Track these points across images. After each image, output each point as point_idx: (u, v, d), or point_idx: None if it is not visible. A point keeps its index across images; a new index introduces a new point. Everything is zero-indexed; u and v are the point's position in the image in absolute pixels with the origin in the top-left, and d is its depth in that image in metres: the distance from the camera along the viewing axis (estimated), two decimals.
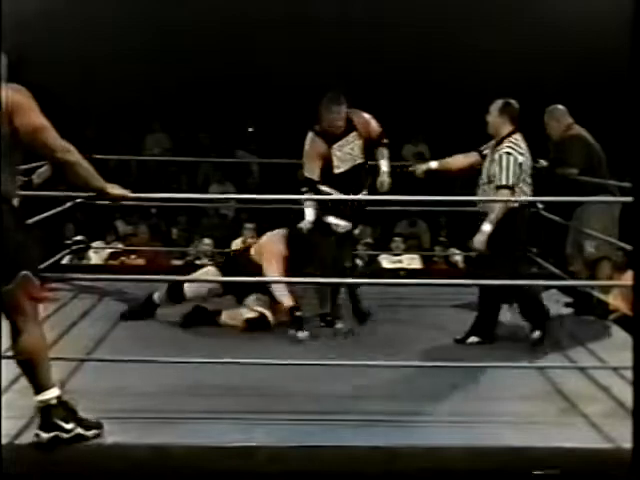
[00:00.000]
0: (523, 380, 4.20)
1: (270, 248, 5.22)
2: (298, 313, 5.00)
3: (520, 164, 4.81)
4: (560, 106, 6.02)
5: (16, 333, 3.32)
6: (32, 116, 3.19)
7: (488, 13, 10.53)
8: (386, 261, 8.71)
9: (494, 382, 4.17)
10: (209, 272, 5.37)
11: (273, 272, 5.04)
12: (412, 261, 8.73)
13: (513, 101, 5.03)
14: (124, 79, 10.82)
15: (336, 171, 5.22)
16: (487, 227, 4.83)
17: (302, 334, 4.93)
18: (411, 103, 10.94)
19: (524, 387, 4.13)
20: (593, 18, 10.23)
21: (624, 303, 6.29)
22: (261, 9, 10.33)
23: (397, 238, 9.15)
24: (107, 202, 3.59)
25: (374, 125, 5.37)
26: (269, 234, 5.41)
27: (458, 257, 9.50)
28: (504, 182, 4.80)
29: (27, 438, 3.41)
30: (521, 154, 4.85)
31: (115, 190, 3.52)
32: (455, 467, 3.42)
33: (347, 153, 5.23)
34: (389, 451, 3.45)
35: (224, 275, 5.20)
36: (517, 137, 4.90)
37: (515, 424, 3.71)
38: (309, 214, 5.17)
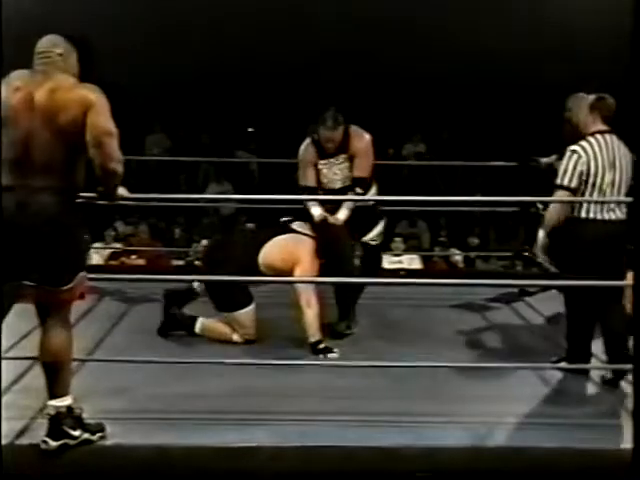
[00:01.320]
0: (523, 380, 4.20)
1: (305, 258, 4.85)
2: (322, 346, 4.68)
3: (588, 166, 4.24)
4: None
5: (47, 332, 3.30)
6: (104, 118, 3.18)
7: (488, 11, 10.53)
8: (386, 261, 8.70)
9: (494, 382, 4.17)
10: None
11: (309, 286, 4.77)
12: (412, 261, 8.73)
13: (608, 96, 4.45)
14: (123, 78, 10.82)
15: (325, 187, 5.10)
16: (541, 234, 4.49)
17: (332, 355, 4.66)
18: (411, 102, 10.94)
19: (524, 387, 4.13)
20: (595, 16, 10.25)
21: (627, 303, 6.28)
22: (262, 8, 10.34)
23: (397, 238, 9.16)
24: (106, 202, 3.56)
25: (366, 160, 5.08)
26: (284, 241, 4.98)
27: (458, 257, 9.52)
28: (559, 181, 4.29)
29: (27, 439, 3.42)
30: (595, 157, 4.26)
31: (119, 191, 3.50)
32: (455, 467, 3.42)
33: (334, 173, 5.08)
34: (389, 451, 3.46)
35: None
36: (600, 138, 4.30)
37: (515, 424, 3.72)
38: (315, 210, 5.00)
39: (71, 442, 3.32)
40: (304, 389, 4.05)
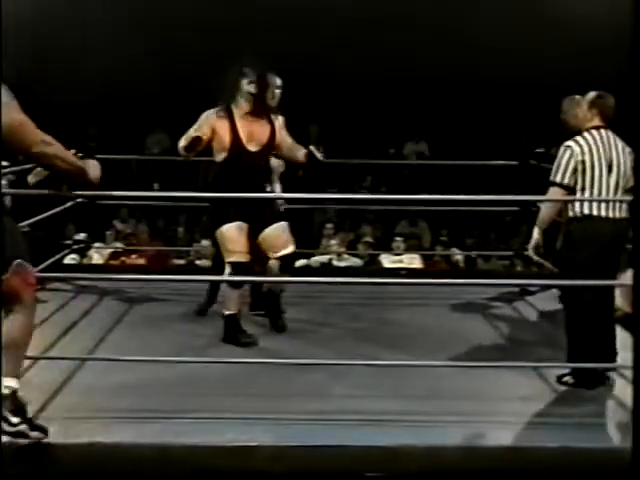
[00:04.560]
0: (522, 380, 4.20)
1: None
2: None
3: (583, 159, 4.16)
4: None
5: (6, 314, 3.25)
6: (8, 114, 3.13)
7: (489, 9, 10.54)
8: (387, 260, 8.71)
9: (494, 382, 4.17)
10: None
11: None
12: (413, 261, 8.73)
13: (608, 94, 4.40)
14: (125, 78, 10.83)
15: None
16: (535, 233, 4.44)
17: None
18: (411, 101, 10.94)
19: (523, 387, 4.13)
20: (596, 14, 10.26)
21: (626, 302, 6.28)
22: (261, 9, 10.35)
23: (398, 238, 9.15)
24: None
25: None
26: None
27: (459, 257, 9.52)
28: (552, 178, 4.23)
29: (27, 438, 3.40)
30: (590, 151, 4.18)
31: (94, 170, 3.45)
32: (455, 467, 3.42)
33: None
34: (389, 451, 3.45)
35: None
36: (595, 133, 4.23)
37: (515, 424, 3.71)
38: None
39: (7, 428, 3.24)
40: (304, 388, 4.05)
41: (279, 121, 5.07)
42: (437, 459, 3.43)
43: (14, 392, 3.30)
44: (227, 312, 4.85)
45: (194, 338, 4.89)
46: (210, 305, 5.36)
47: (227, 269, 4.78)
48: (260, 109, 4.88)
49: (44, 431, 3.38)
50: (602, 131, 4.26)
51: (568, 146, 4.22)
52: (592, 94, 4.40)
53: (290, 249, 4.89)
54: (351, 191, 10.53)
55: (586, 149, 4.20)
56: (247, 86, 4.83)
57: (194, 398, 3.90)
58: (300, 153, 4.92)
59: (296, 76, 10.36)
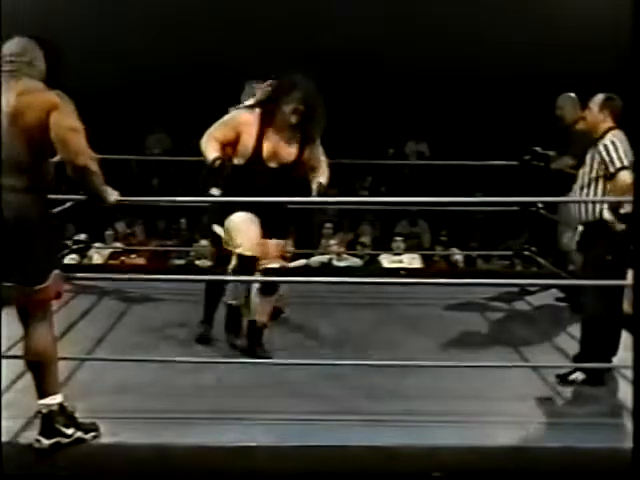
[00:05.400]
0: (522, 380, 4.20)
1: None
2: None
3: (627, 154, 4.20)
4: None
5: (29, 332, 3.33)
6: (67, 117, 3.24)
7: (491, 8, 10.53)
8: (386, 261, 8.72)
9: (494, 382, 4.17)
10: None
11: None
12: (413, 261, 8.73)
13: (616, 96, 4.46)
14: (125, 78, 10.84)
15: None
16: (608, 215, 4.23)
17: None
18: (412, 100, 10.94)
19: (523, 387, 4.13)
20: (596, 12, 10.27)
21: (626, 302, 6.25)
22: (262, 8, 10.36)
23: (398, 238, 9.15)
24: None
25: None
26: None
27: (458, 256, 9.52)
28: (619, 164, 4.18)
29: (27, 438, 3.40)
30: (629, 147, 4.24)
31: (112, 197, 3.53)
32: (455, 467, 3.41)
33: None
34: (389, 451, 3.45)
35: None
36: (618, 134, 4.29)
37: (514, 424, 3.71)
38: None
39: (64, 440, 3.33)
40: (304, 389, 4.04)
41: (315, 145, 4.61)
42: (437, 459, 3.43)
43: (61, 405, 3.35)
44: (253, 319, 4.52)
45: (193, 338, 4.88)
46: (210, 328, 4.84)
47: (233, 261, 4.42)
48: (293, 132, 4.50)
49: (96, 428, 3.44)
50: (621, 132, 4.31)
51: (613, 141, 4.23)
52: (600, 96, 4.43)
53: (277, 265, 4.54)
54: (351, 191, 10.53)
55: (626, 144, 4.24)
56: (289, 114, 4.43)
57: (193, 398, 3.90)
58: (314, 182, 4.51)
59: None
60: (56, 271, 3.34)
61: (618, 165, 4.18)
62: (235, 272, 4.37)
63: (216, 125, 4.53)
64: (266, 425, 3.61)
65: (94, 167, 3.31)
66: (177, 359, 4.23)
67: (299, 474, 3.41)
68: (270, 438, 3.50)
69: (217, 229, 4.60)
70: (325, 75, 10.34)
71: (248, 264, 4.38)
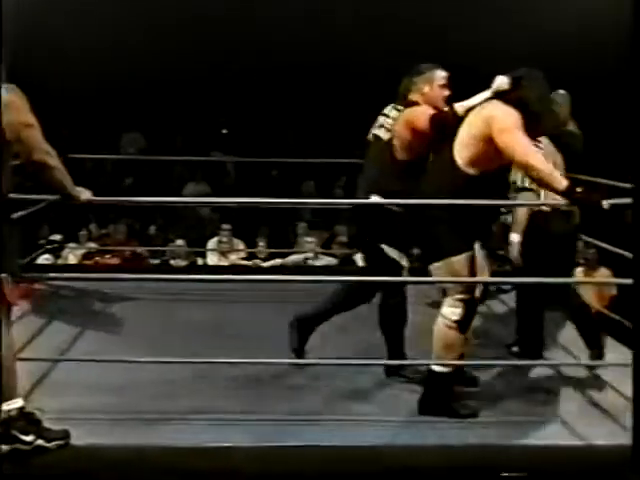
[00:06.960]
0: (521, 379, 4.23)
1: None
2: None
3: None
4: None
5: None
6: (21, 113, 3.19)
7: (490, 8, 10.53)
8: (362, 260, 8.69)
9: (492, 381, 4.17)
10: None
11: None
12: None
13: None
14: (101, 78, 10.77)
15: None
16: (515, 237, 4.47)
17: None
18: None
19: (522, 386, 4.16)
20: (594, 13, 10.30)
21: (595, 299, 6.33)
22: (243, 8, 10.30)
23: None
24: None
25: None
26: None
27: None
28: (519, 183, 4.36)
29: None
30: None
31: (84, 195, 3.49)
32: (455, 466, 3.39)
33: None
34: (389, 451, 3.45)
35: None
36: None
37: (514, 423, 3.73)
38: None
39: (23, 447, 3.22)
40: (300, 388, 4.06)
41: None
42: (437, 459, 3.41)
43: (21, 410, 3.26)
44: (439, 368, 3.82)
45: (172, 337, 4.84)
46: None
47: (452, 308, 3.78)
48: None
49: (66, 436, 3.32)
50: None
51: None
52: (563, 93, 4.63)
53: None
54: (328, 188, 10.56)
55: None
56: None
57: (171, 399, 3.88)
58: None
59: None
60: (2, 275, 3.20)
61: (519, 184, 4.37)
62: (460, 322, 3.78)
63: (519, 135, 3.65)
64: (244, 426, 3.60)
65: (52, 162, 3.26)
66: (150, 360, 4.17)
67: (276, 474, 3.39)
68: (248, 439, 3.48)
69: (388, 250, 4.23)
70: (307, 75, 10.37)
71: (472, 311, 3.83)
